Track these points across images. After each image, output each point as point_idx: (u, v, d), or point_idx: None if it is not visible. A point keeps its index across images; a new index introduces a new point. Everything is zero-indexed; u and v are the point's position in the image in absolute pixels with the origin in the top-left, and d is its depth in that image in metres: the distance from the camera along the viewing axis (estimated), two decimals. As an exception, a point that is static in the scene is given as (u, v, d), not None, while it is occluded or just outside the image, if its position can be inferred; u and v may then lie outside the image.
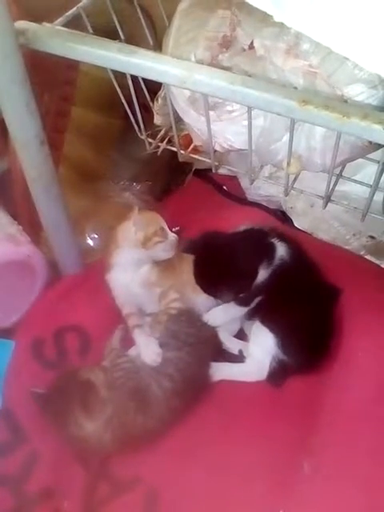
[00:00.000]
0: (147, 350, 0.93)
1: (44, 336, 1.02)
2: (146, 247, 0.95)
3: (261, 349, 0.94)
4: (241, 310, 0.97)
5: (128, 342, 0.98)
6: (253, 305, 0.96)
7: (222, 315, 0.99)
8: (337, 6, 0.53)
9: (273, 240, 0.95)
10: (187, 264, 0.98)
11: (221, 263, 0.91)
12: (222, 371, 0.96)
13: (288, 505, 0.80)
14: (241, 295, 0.93)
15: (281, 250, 0.94)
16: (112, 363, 0.93)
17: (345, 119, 0.67)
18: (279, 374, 0.94)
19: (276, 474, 0.84)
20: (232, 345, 0.99)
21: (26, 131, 0.84)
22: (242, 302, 0.96)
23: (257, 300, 0.95)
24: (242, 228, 0.97)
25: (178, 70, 0.73)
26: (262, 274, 0.92)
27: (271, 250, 0.93)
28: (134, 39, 0.91)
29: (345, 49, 0.55)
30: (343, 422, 0.85)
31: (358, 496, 0.78)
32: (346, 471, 0.80)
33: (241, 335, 1.00)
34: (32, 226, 1.07)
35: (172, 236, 0.98)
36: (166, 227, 0.98)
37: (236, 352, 0.98)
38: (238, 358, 0.98)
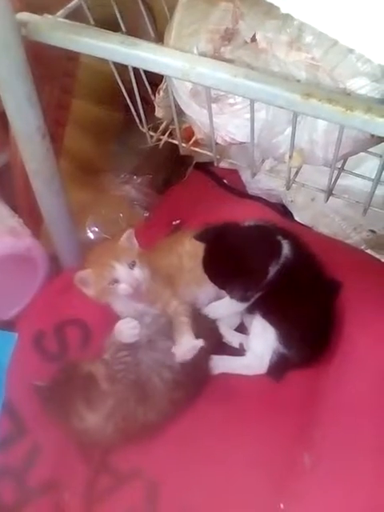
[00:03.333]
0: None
1: (45, 329, 1.03)
2: (105, 299, 0.91)
3: (261, 342, 0.95)
4: (242, 305, 0.97)
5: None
6: (253, 299, 0.96)
7: (223, 308, 0.99)
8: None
9: (279, 238, 0.94)
10: (189, 259, 0.98)
11: (234, 258, 0.90)
12: (222, 364, 0.96)
13: (288, 498, 0.80)
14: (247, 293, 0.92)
15: (285, 248, 0.94)
16: (113, 356, 0.93)
17: (348, 113, 0.66)
18: (279, 367, 0.95)
19: (276, 467, 0.84)
20: (232, 338, 0.99)
21: (27, 124, 0.84)
22: (243, 298, 0.96)
23: (257, 294, 0.95)
24: (251, 223, 0.96)
25: (181, 63, 0.73)
26: (269, 273, 0.92)
27: (280, 249, 0.93)
28: (134, 32, 0.90)
29: (352, 40, 0.54)
30: (343, 416, 0.86)
31: (358, 489, 0.78)
32: (346, 464, 0.81)
33: (241, 328, 1.01)
34: (32, 219, 1.07)
35: (124, 274, 0.87)
36: (120, 266, 0.87)
37: (236, 345, 0.99)
38: (239, 352, 0.98)
